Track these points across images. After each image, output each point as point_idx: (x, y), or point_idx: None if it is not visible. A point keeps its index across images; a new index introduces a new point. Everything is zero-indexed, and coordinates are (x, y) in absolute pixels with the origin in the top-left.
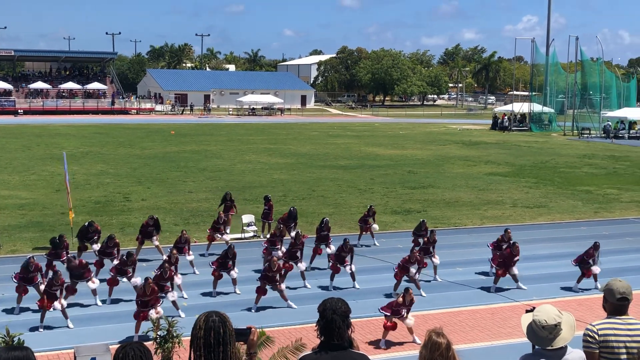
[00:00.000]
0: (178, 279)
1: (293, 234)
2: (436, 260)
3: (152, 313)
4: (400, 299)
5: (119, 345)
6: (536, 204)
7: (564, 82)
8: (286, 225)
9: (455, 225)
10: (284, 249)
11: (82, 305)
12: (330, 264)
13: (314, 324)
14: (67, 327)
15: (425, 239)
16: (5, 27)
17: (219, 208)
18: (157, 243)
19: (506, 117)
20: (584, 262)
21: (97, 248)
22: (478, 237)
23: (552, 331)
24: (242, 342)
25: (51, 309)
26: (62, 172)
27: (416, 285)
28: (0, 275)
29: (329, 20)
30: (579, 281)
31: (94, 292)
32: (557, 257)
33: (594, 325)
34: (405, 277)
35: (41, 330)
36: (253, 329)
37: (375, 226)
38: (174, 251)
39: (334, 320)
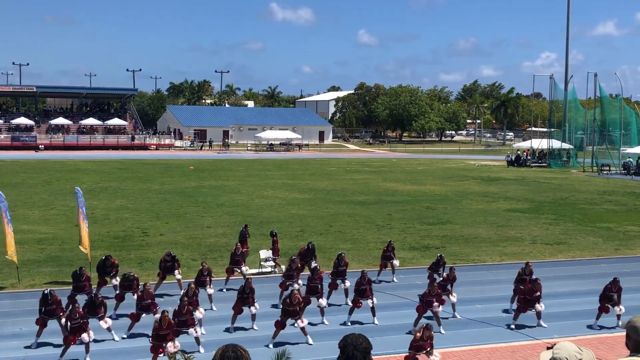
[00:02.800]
0: (200, 314)
1: (312, 267)
2: (454, 298)
3: (170, 347)
4: (418, 334)
5: None
6: (556, 240)
7: (582, 118)
8: (305, 261)
9: (474, 261)
10: (301, 282)
11: (97, 341)
12: (352, 298)
13: None
14: None
15: (445, 275)
16: (28, 64)
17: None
18: (179, 277)
19: (524, 153)
20: (607, 298)
21: (116, 283)
22: (497, 274)
23: None
24: None
25: (76, 343)
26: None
27: (437, 321)
28: (18, 310)
29: (346, 57)
30: (598, 318)
31: (109, 329)
32: (577, 294)
33: None
34: (428, 313)
35: None
36: None
37: (396, 262)
38: (192, 286)
39: (355, 356)
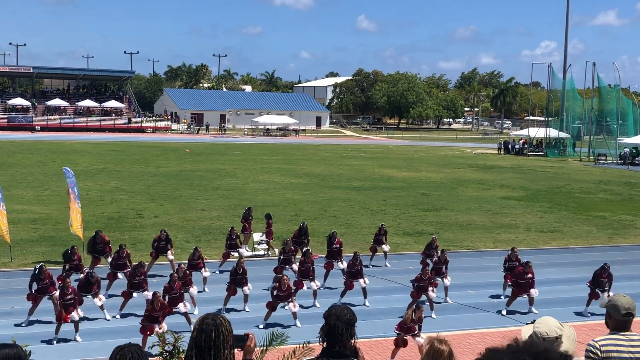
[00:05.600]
0: (194, 289)
1: (304, 250)
2: (447, 281)
3: (157, 328)
4: (409, 315)
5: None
6: (550, 228)
7: (580, 108)
8: (298, 242)
9: (467, 247)
10: (295, 267)
11: (88, 319)
12: (344, 279)
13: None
14: (75, 340)
15: (436, 258)
16: (25, 45)
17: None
18: (171, 257)
19: (517, 141)
20: (597, 283)
21: (109, 260)
22: (490, 260)
23: (553, 344)
24: (239, 349)
25: (69, 321)
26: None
27: (431, 306)
28: (11, 288)
29: (345, 43)
30: (588, 304)
31: (102, 307)
32: (569, 281)
33: (596, 342)
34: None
35: (54, 343)
36: (250, 336)
37: (386, 247)
38: (182, 265)
39: (336, 326)
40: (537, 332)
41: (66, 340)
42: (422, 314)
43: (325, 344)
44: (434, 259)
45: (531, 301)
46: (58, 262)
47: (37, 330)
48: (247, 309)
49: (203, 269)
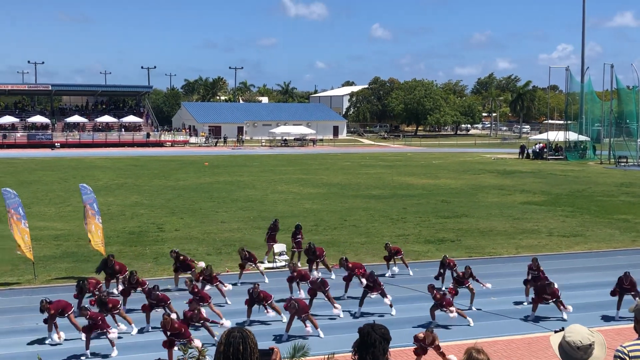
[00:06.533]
0: (226, 287)
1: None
2: (489, 285)
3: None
4: (422, 335)
5: None
6: (572, 232)
7: (599, 110)
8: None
9: (489, 254)
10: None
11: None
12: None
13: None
14: (110, 356)
15: (461, 273)
16: (43, 63)
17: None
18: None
19: (535, 145)
20: (623, 290)
21: (120, 289)
22: (513, 267)
23: (587, 351)
24: None
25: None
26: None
27: (463, 316)
28: (35, 306)
29: (360, 52)
30: (618, 308)
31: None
32: (594, 286)
33: (624, 347)
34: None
35: (82, 359)
36: (275, 350)
37: (395, 268)
38: (187, 281)
39: (370, 334)
40: (569, 341)
41: (95, 355)
42: (435, 339)
43: (356, 356)
44: (454, 275)
45: (559, 305)
46: (80, 277)
47: (66, 346)
48: (268, 310)
49: (221, 284)
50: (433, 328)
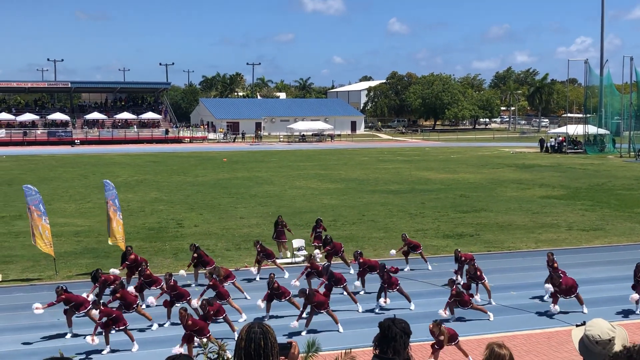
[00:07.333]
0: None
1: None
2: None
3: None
4: (431, 326)
5: None
6: (592, 226)
7: (619, 103)
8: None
9: (509, 249)
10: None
11: (136, 329)
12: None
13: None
14: (130, 350)
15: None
16: (62, 60)
17: (274, 236)
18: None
19: (554, 139)
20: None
21: (133, 287)
22: (533, 261)
23: (606, 346)
24: (283, 357)
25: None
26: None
27: (482, 310)
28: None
29: (378, 47)
30: (638, 302)
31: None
32: (615, 280)
33: None
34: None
35: (104, 353)
36: (294, 343)
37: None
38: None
39: (390, 328)
40: (589, 335)
41: (114, 351)
42: (444, 338)
43: (377, 350)
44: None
45: (580, 301)
46: (103, 273)
47: (79, 342)
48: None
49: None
50: (440, 321)
